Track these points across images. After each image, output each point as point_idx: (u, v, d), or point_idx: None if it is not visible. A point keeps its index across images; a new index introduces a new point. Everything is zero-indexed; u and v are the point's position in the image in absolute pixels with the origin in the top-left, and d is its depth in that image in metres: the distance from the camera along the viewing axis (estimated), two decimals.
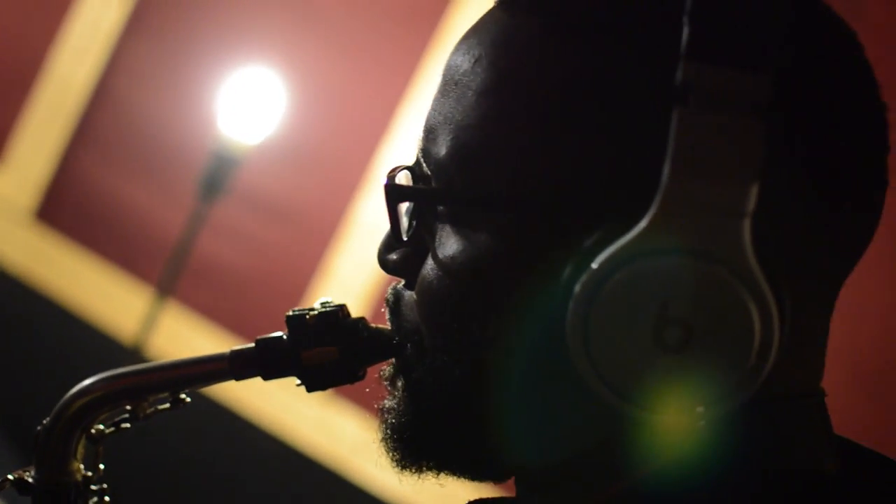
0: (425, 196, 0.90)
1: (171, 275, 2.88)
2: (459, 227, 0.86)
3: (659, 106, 0.78)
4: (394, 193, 0.90)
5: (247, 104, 2.88)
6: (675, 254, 0.76)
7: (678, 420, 0.79)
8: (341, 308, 0.95)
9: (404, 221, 0.92)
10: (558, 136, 0.83)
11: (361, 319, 0.95)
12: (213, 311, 3.30)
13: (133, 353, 2.82)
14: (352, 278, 3.14)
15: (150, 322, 2.86)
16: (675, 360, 0.77)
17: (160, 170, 3.38)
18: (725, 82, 0.75)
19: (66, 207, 3.45)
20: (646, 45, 0.81)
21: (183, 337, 3.25)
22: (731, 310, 0.76)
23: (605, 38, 0.82)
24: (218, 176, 2.84)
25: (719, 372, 0.77)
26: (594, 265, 0.77)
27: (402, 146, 3.15)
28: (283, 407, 3.17)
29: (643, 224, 0.76)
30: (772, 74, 0.75)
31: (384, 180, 0.90)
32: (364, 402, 3.09)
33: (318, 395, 3.05)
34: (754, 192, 0.75)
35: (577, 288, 0.78)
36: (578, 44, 0.83)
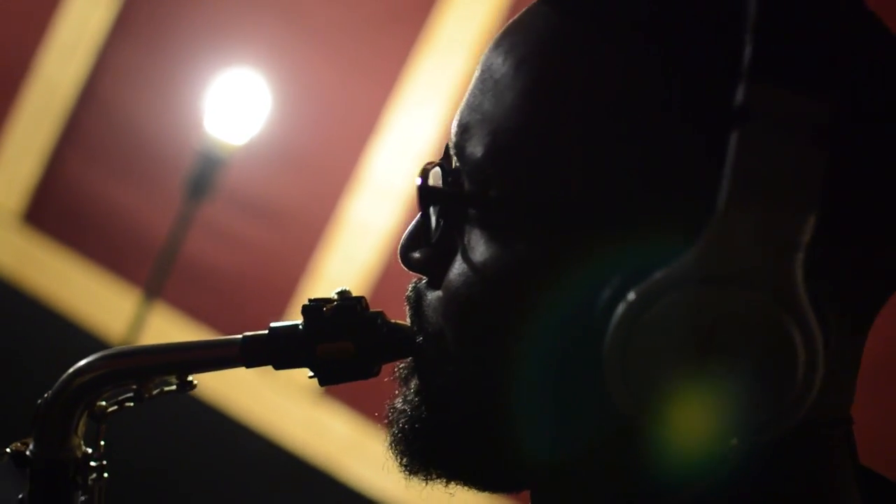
0: (461, 200, 0.86)
1: (159, 276, 2.88)
2: (493, 232, 0.82)
3: (713, 124, 0.75)
4: (427, 196, 0.87)
5: (233, 105, 2.88)
6: (725, 282, 0.73)
7: (713, 449, 0.76)
8: (360, 301, 0.92)
9: (433, 220, 0.89)
10: (604, 147, 0.79)
11: (380, 314, 0.91)
12: (200, 311, 3.30)
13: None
14: (340, 278, 3.14)
15: (138, 323, 2.86)
16: (716, 387, 0.74)
17: (147, 171, 3.37)
18: (790, 106, 0.72)
19: (53, 210, 3.45)
20: (702, 60, 0.77)
21: (171, 338, 3.24)
22: (776, 342, 0.73)
23: (660, 48, 0.78)
24: (205, 177, 2.84)
25: (760, 404, 0.74)
26: (636, 292, 0.74)
27: (388, 145, 3.16)
28: (272, 406, 3.17)
29: (695, 248, 0.74)
30: (838, 99, 0.72)
31: (417, 180, 0.87)
32: (353, 402, 3.10)
33: (307, 395, 3.04)
34: (811, 224, 0.72)
35: (617, 314, 0.75)
36: (631, 52, 0.79)
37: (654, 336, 0.74)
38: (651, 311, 0.74)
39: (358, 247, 3.15)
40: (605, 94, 0.79)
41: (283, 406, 3.16)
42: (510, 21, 0.86)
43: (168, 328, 3.26)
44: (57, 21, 3.44)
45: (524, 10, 0.86)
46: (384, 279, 3.09)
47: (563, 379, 0.82)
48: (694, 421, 0.75)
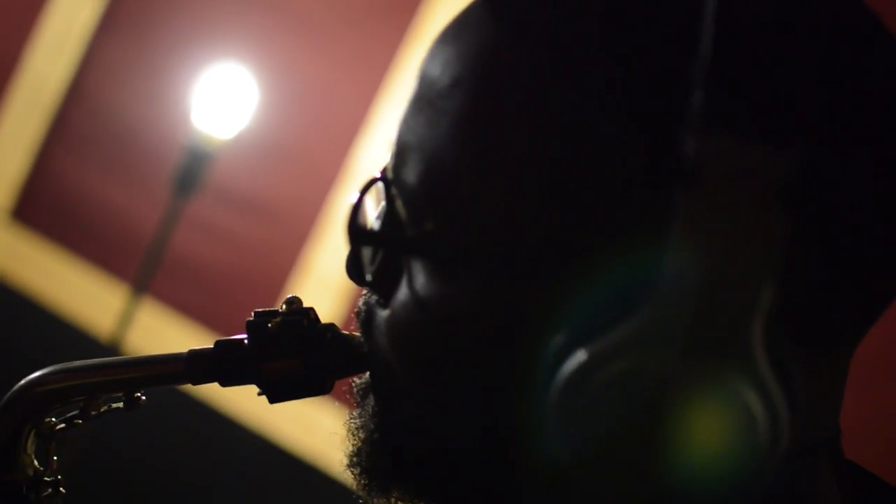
0: (394, 245, 0.80)
1: (148, 271, 2.87)
2: (434, 266, 0.76)
3: (662, 175, 0.67)
4: (358, 238, 0.80)
5: (221, 100, 2.88)
6: (675, 351, 0.66)
7: None
8: (307, 314, 0.86)
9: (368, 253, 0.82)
10: (545, 185, 0.71)
11: (330, 327, 0.86)
12: (189, 307, 3.30)
13: (110, 351, 2.81)
14: (329, 273, 3.14)
15: (126, 319, 2.85)
16: (667, 458, 0.68)
17: (135, 167, 3.37)
18: (747, 159, 0.64)
19: (41, 206, 3.44)
20: (654, 104, 0.69)
21: (159, 333, 3.24)
22: (734, 413, 0.67)
23: (607, 85, 0.70)
24: (193, 172, 2.83)
25: (721, 472, 0.68)
26: (585, 354, 0.68)
27: (376, 141, 3.15)
28: (261, 402, 3.16)
29: (642, 313, 0.67)
30: (799, 154, 0.64)
31: (346, 215, 0.79)
32: (343, 397, 3.09)
33: None
34: (771, 290, 0.65)
35: (565, 373, 0.69)
36: (575, 81, 0.71)
37: (600, 402, 0.68)
38: (598, 376, 0.68)
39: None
40: (546, 129, 0.71)
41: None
42: (449, 24, 0.79)
43: (156, 323, 3.25)
44: (44, 17, 3.43)
45: (463, 11, 0.78)
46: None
47: (508, 420, 0.76)
48: (641, 489, 0.69)
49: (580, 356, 0.68)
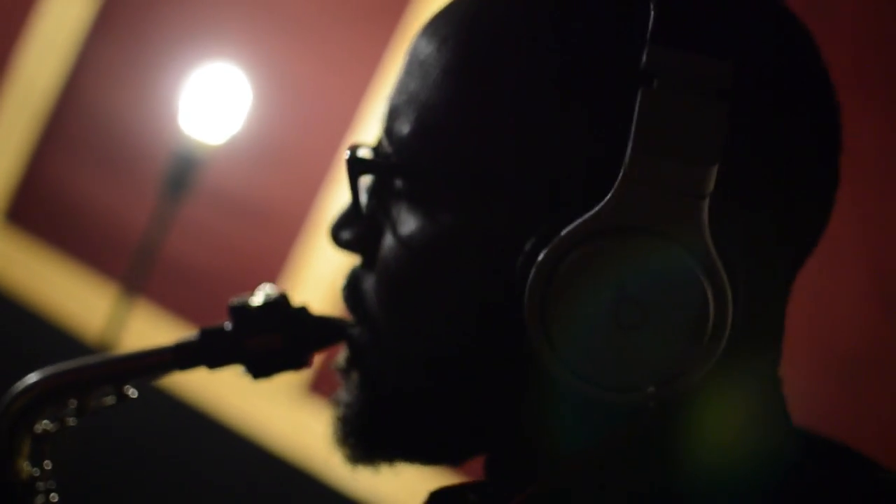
0: (388, 169, 0.89)
1: (139, 274, 2.87)
2: (420, 205, 0.85)
3: (626, 89, 0.78)
4: (355, 166, 0.89)
5: (212, 102, 2.87)
6: (632, 232, 0.76)
7: (632, 399, 0.79)
8: (283, 296, 0.95)
9: (362, 198, 0.90)
10: (523, 117, 0.82)
11: (304, 307, 0.95)
12: (181, 309, 3.29)
13: (101, 353, 2.81)
14: (320, 275, 3.14)
15: (117, 321, 2.85)
16: (631, 338, 0.77)
17: (127, 168, 3.36)
18: (689, 66, 0.76)
19: (33, 208, 3.43)
20: (613, 28, 0.81)
21: (151, 335, 3.24)
22: (686, 289, 0.76)
23: (573, 20, 0.82)
24: (184, 174, 2.83)
25: (673, 350, 0.77)
26: (551, 244, 0.77)
27: (367, 142, 3.15)
28: (253, 407, 3.16)
29: (602, 203, 0.77)
30: (735, 61, 0.76)
31: (345, 154, 0.89)
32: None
33: (288, 394, 3.03)
34: (713, 173, 0.76)
35: (534, 268, 0.78)
36: (546, 25, 0.82)
37: (568, 291, 0.77)
38: (562, 267, 0.77)
39: None
40: (523, 67, 0.82)
41: (264, 406, 3.15)
42: (435, 12, 0.90)
43: (147, 326, 3.25)
44: (36, 19, 3.43)
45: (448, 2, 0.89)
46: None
47: (498, 348, 0.84)
48: (611, 371, 0.78)
49: (548, 247, 0.77)
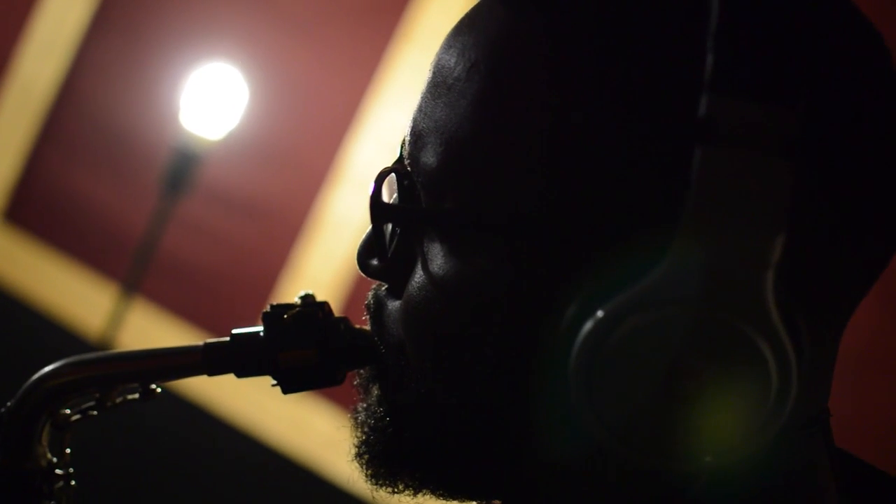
0: (414, 217, 0.82)
1: (138, 272, 2.87)
2: (451, 245, 0.79)
3: (676, 138, 0.71)
4: (380, 212, 0.82)
5: (210, 100, 2.88)
6: (691, 304, 0.70)
7: (686, 469, 0.75)
8: (322, 307, 0.89)
9: (389, 230, 0.85)
10: (563, 160, 0.75)
11: (343, 320, 0.89)
12: (180, 307, 3.30)
13: (100, 351, 2.81)
14: (320, 273, 3.14)
15: (117, 319, 2.85)
16: (685, 408, 0.71)
17: (126, 167, 3.37)
18: (753, 117, 0.68)
19: (32, 207, 3.44)
20: (665, 70, 0.73)
21: (150, 334, 3.24)
22: (747, 362, 0.70)
23: (616, 58, 0.74)
24: (182, 172, 2.83)
25: (733, 422, 0.72)
26: (602, 312, 0.71)
27: (366, 139, 3.15)
28: (253, 403, 3.16)
29: (661, 267, 0.70)
30: (803, 110, 0.69)
31: (370, 188, 0.82)
32: (336, 398, 3.09)
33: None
34: (781, 241, 0.69)
35: (583, 334, 0.71)
36: (590, 55, 0.74)
37: (620, 358, 0.71)
38: (616, 333, 0.71)
39: (337, 241, 3.15)
40: (563, 104, 0.75)
41: (264, 403, 3.16)
42: (461, 18, 0.82)
43: (147, 324, 3.25)
44: (35, 18, 3.43)
45: (475, 6, 0.82)
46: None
47: (528, 397, 0.78)
48: (663, 443, 0.73)
49: (598, 315, 0.71)
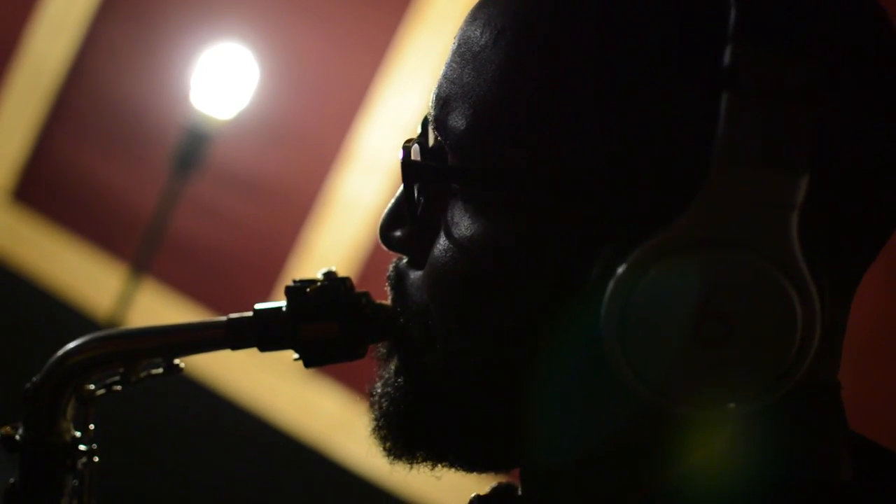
0: (445, 176, 0.84)
1: (147, 252, 2.87)
2: (477, 207, 0.81)
3: (701, 90, 0.74)
4: (411, 171, 0.84)
5: (221, 80, 2.87)
6: (719, 245, 0.72)
7: (713, 416, 0.77)
8: (344, 281, 0.91)
9: (415, 196, 0.86)
10: (591, 117, 0.77)
11: (364, 294, 0.90)
12: (189, 287, 3.30)
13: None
14: (329, 254, 3.14)
15: (126, 299, 2.85)
16: (715, 354, 0.73)
17: (135, 147, 3.36)
18: (777, 67, 0.71)
19: (41, 186, 3.44)
20: (687, 24, 0.76)
21: (159, 314, 3.24)
22: (774, 304, 0.72)
23: (643, 14, 0.77)
24: (192, 152, 2.83)
25: (759, 366, 0.74)
26: (631, 257, 0.73)
27: (378, 120, 3.15)
28: (261, 384, 3.17)
29: (686, 214, 0.73)
30: (823, 60, 0.72)
31: (400, 154, 0.85)
32: (344, 379, 3.09)
33: (297, 373, 3.02)
34: (805, 183, 0.72)
35: (613, 282, 0.74)
36: (614, 19, 0.77)
37: (649, 306, 0.73)
38: (643, 281, 0.73)
39: (347, 222, 3.14)
40: (589, 62, 0.77)
41: (272, 384, 3.16)
42: None
43: (156, 305, 3.25)
44: None
45: None
46: (373, 255, 3.08)
47: (562, 356, 0.80)
48: (690, 387, 0.75)
49: (628, 260, 0.73)
